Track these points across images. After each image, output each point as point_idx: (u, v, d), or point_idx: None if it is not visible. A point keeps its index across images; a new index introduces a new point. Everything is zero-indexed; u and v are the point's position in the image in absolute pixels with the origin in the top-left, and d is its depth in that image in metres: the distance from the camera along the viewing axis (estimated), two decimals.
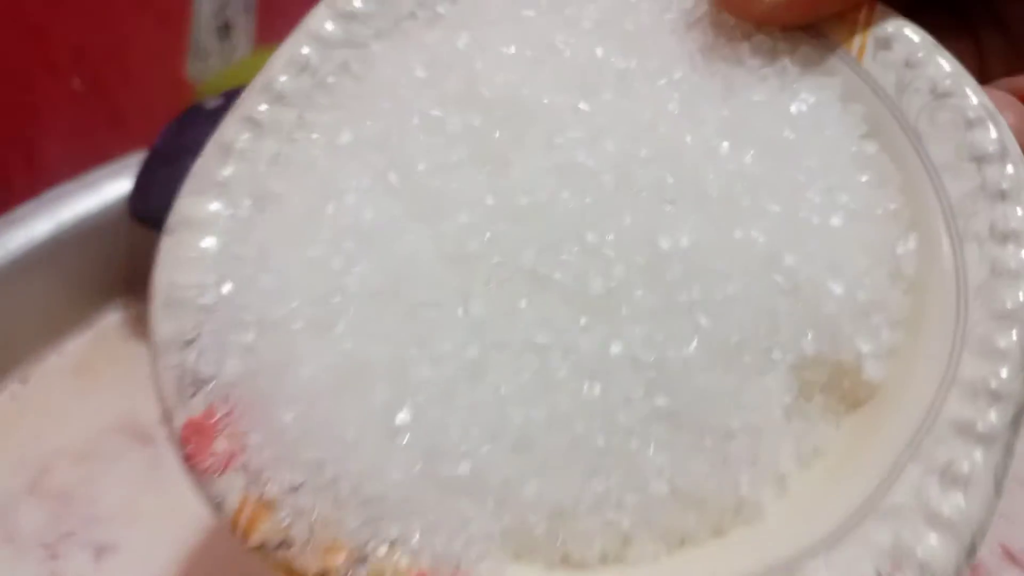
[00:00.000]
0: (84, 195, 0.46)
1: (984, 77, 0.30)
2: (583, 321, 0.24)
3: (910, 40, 0.26)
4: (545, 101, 0.26)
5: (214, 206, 0.26)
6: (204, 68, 0.54)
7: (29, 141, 0.56)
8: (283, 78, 0.27)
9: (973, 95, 0.25)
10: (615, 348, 0.23)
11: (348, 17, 0.28)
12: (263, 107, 0.27)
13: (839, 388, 0.25)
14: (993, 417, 0.22)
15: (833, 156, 0.26)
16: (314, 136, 0.27)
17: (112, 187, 0.46)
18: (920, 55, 0.26)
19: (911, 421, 0.23)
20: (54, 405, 0.43)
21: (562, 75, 0.27)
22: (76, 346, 0.45)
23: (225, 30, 0.52)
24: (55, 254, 0.45)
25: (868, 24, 0.27)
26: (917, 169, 0.26)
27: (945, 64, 0.26)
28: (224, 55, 0.54)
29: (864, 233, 0.25)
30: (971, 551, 0.21)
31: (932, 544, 0.21)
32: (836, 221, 0.25)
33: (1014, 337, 0.23)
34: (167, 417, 0.23)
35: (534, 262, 0.24)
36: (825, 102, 0.27)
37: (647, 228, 0.24)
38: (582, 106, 0.26)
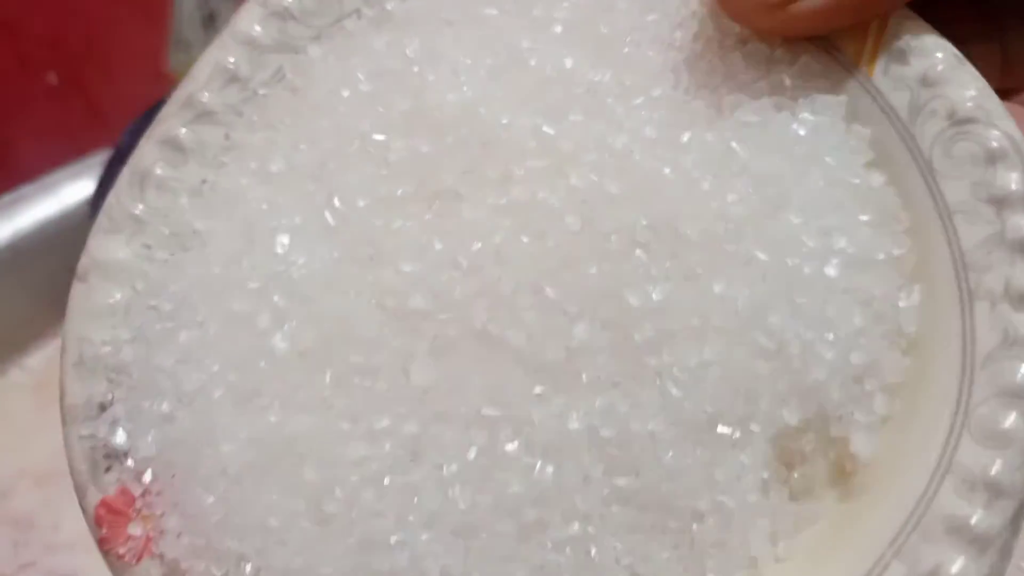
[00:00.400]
0: (44, 199, 0.43)
1: (1008, 72, 0.27)
2: (538, 390, 0.21)
3: (930, 53, 0.22)
4: (504, 122, 0.23)
5: (128, 248, 0.23)
6: (187, 60, 0.49)
7: (1, 139, 0.53)
8: (208, 92, 0.24)
9: (997, 122, 0.22)
10: (573, 422, 0.21)
11: (283, 15, 0.25)
12: (185, 127, 0.24)
13: (824, 459, 0.22)
14: (990, 516, 0.20)
15: (832, 189, 0.23)
16: (243, 161, 0.24)
17: (73, 189, 0.43)
18: (940, 70, 0.22)
19: (899, 510, 0.21)
20: (15, 423, 0.41)
21: (525, 91, 0.23)
22: (38, 360, 0.43)
23: (210, 19, 0.48)
24: (13, 263, 0.42)
25: (882, 31, 0.23)
26: (927, 209, 0.22)
27: (969, 83, 0.22)
28: (209, 46, 0.49)
29: (862, 285, 0.22)
30: None
31: None
32: (831, 271, 0.22)
33: (1021, 420, 0.20)
34: (79, 493, 0.22)
35: (485, 320, 0.21)
36: (826, 124, 0.23)
37: (615, 280, 0.22)
38: (546, 129, 0.23)
